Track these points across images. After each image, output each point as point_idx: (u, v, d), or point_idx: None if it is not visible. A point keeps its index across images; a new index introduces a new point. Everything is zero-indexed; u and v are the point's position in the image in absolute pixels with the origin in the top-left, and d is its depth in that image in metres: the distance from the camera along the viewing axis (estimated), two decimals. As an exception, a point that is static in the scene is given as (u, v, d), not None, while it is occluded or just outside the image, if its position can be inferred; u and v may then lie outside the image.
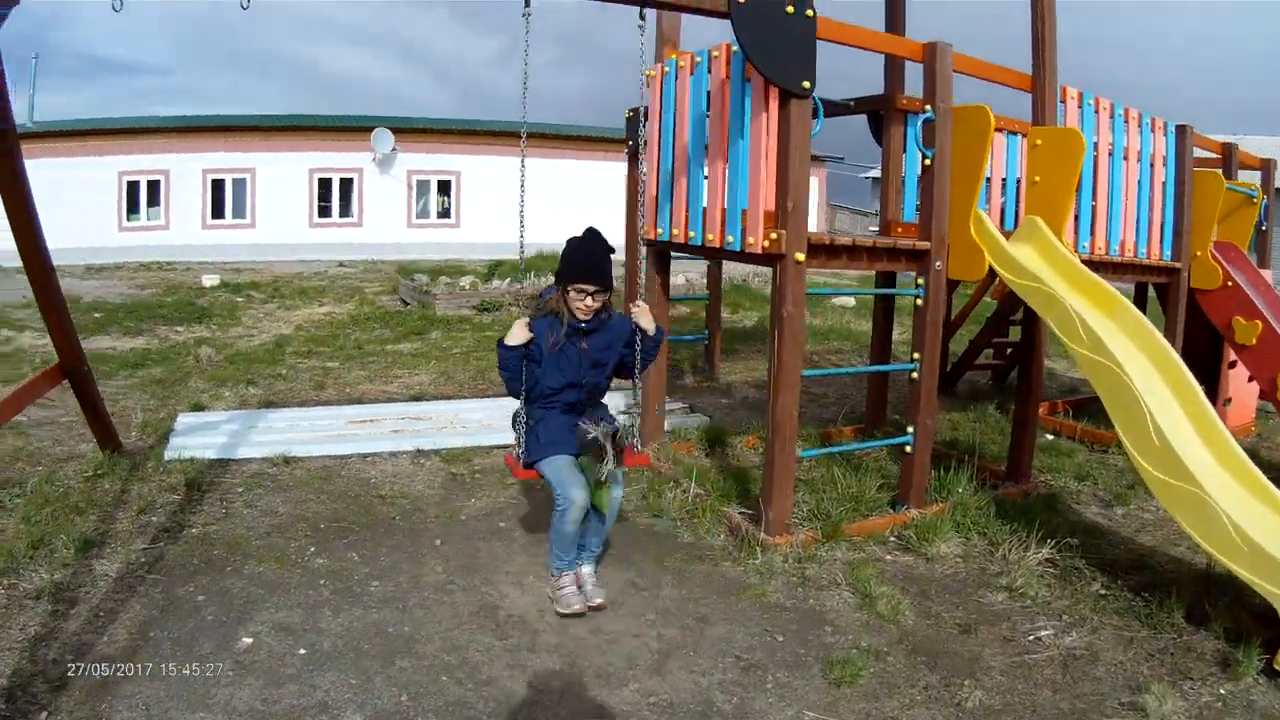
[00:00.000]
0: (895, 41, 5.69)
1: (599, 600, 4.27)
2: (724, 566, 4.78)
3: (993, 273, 5.40)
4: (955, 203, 5.33)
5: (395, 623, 4.05)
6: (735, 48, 5.02)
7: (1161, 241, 7.09)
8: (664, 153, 5.92)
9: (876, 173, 34.12)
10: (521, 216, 4.47)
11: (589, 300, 4.19)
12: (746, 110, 5.02)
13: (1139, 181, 6.77)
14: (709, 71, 5.36)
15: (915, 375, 5.45)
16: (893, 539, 5.19)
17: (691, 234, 5.60)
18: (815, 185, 34.57)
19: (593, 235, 4.27)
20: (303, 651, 3.77)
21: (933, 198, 5.28)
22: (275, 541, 4.92)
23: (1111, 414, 4.53)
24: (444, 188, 29.79)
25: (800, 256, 4.76)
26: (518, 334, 4.13)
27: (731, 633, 4.08)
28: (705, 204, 5.43)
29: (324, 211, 28.61)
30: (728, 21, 4.47)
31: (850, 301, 17.80)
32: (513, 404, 4.43)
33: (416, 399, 8.46)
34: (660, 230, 6.01)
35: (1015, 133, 6.40)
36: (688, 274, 18.14)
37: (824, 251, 5.02)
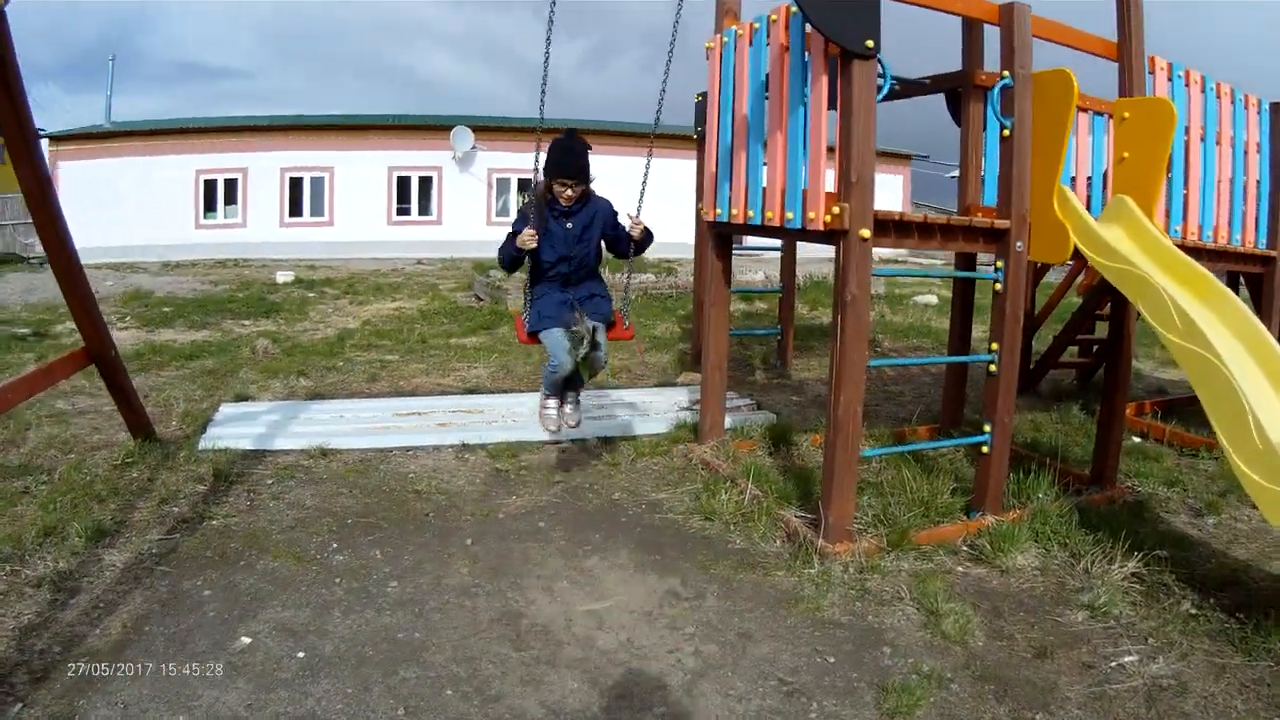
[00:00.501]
0: (968, 2, 5.19)
1: (574, 423, 5.37)
2: (777, 576, 4.36)
3: (1078, 261, 4.89)
4: (1037, 177, 4.83)
5: (407, 628, 3.73)
6: (794, 9, 4.62)
7: (1256, 228, 6.48)
8: (723, 128, 5.52)
9: (961, 171, 33.11)
10: (536, 203, 4.96)
11: (569, 191, 4.98)
12: (808, 76, 4.60)
13: (1233, 163, 6.19)
14: (768, 39, 4.95)
15: (993, 368, 4.94)
16: (965, 548, 4.70)
17: (751, 213, 5.19)
18: (899, 183, 33.64)
19: (570, 137, 4.97)
20: (301, 655, 3.48)
21: (1012, 171, 4.77)
22: (296, 536, 4.65)
23: (1206, 408, 4.02)
24: (525, 186, 29.59)
25: (865, 233, 4.32)
26: (529, 242, 4.85)
27: (777, 652, 3.66)
28: (765, 179, 5.02)
29: (403, 210, 28.67)
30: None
31: (932, 299, 17.18)
32: None
33: (471, 392, 8.16)
34: (719, 210, 5.60)
35: (1101, 113, 5.85)
36: (767, 270, 17.68)
37: (893, 229, 4.56)
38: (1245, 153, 6.29)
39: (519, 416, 7.04)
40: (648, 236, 5.14)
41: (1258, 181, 6.46)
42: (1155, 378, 9.95)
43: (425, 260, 25.44)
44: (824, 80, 4.47)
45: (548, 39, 4.80)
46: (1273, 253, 6.55)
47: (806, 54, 4.61)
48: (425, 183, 28.73)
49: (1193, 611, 4.06)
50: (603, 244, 5.23)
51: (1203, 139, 5.92)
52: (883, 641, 3.75)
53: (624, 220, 5.15)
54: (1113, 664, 3.62)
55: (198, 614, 3.78)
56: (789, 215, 4.74)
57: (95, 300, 5.55)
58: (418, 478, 5.65)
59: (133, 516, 4.82)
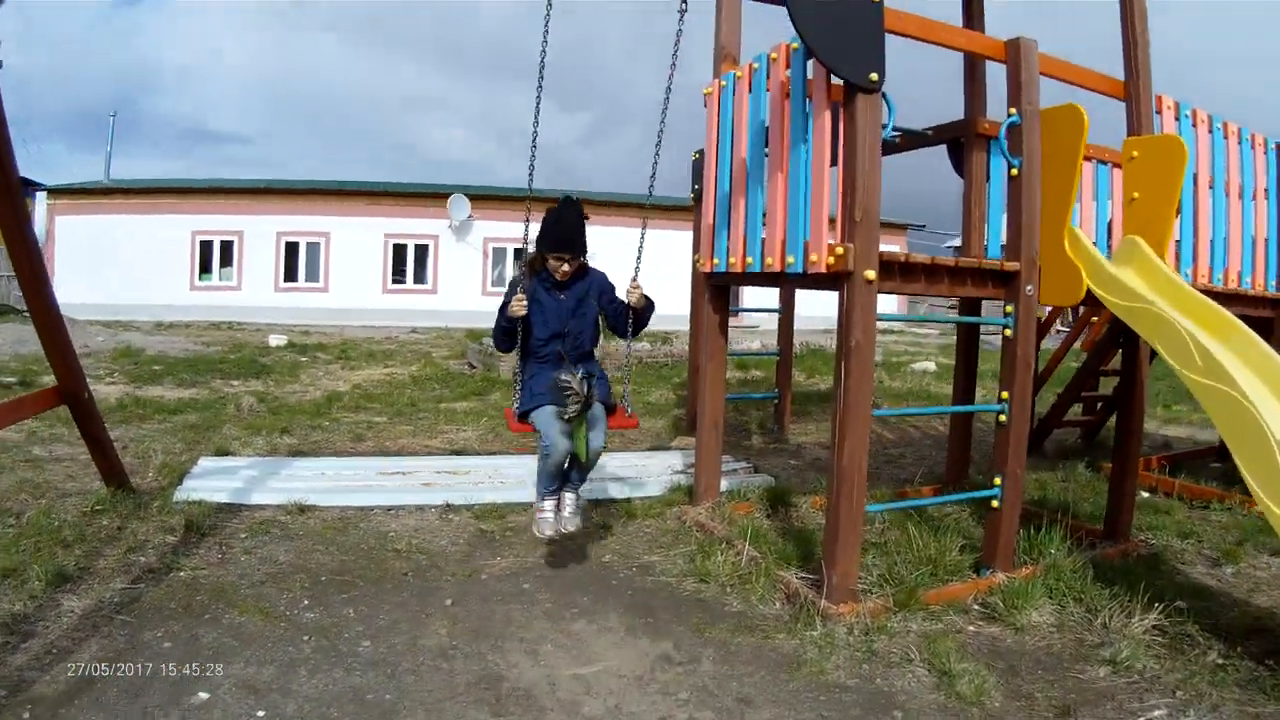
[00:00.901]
0: (973, 38, 5.09)
1: (572, 528, 4.79)
2: (777, 639, 4.08)
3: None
4: (1047, 217, 4.68)
5: (377, 689, 3.45)
6: (796, 44, 4.50)
7: (1265, 271, 6.33)
8: (721, 175, 5.37)
9: (959, 241, 33.23)
10: (526, 272, 4.82)
11: (565, 266, 4.71)
12: (809, 115, 4.46)
13: (1243, 213, 6.07)
14: (768, 79, 4.83)
15: (1004, 417, 4.72)
16: (976, 607, 4.43)
17: (750, 260, 5.00)
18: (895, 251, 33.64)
19: (567, 207, 4.68)
20: (261, 714, 3.22)
21: (1021, 212, 4.61)
22: (266, 591, 4.39)
23: (1231, 447, 3.84)
24: (522, 255, 29.49)
25: (870, 275, 4.13)
26: (518, 309, 4.56)
27: (779, 718, 3.38)
28: (764, 224, 4.85)
29: (398, 277, 28.63)
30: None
31: (930, 366, 17.04)
32: None
33: (458, 453, 7.92)
34: (717, 260, 5.41)
35: (1105, 161, 5.72)
36: (764, 339, 17.56)
37: (898, 271, 4.38)
38: (1254, 198, 6.15)
39: (506, 478, 6.77)
40: (648, 306, 4.82)
41: (1265, 240, 6.31)
42: (1159, 435, 9.78)
43: (420, 329, 25.29)
44: (826, 116, 4.34)
45: (537, 104, 4.71)
46: (1284, 295, 6.36)
47: (808, 96, 4.48)
48: (421, 251, 28.74)
49: (1220, 661, 3.84)
50: (600, 321, 4.95)
51: (1211, 186, 5.79)
52: (893, 705, 3.47)
53: (621, 292, 4.84)
54: (1141, 719, 3.37)
55: (154, 665, 3.53)
56: (789, 260, 4.55)
57: (70, 339, 5.35)
58: (398, 537, 5.37)
59: (97, 564, 4.59)
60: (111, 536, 5.01)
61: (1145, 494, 6.77)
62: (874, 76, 4.06)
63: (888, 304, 29.43)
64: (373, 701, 3.35)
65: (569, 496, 4.82)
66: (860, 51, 4.04)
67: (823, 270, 4.27)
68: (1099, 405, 8.92)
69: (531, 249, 4.81)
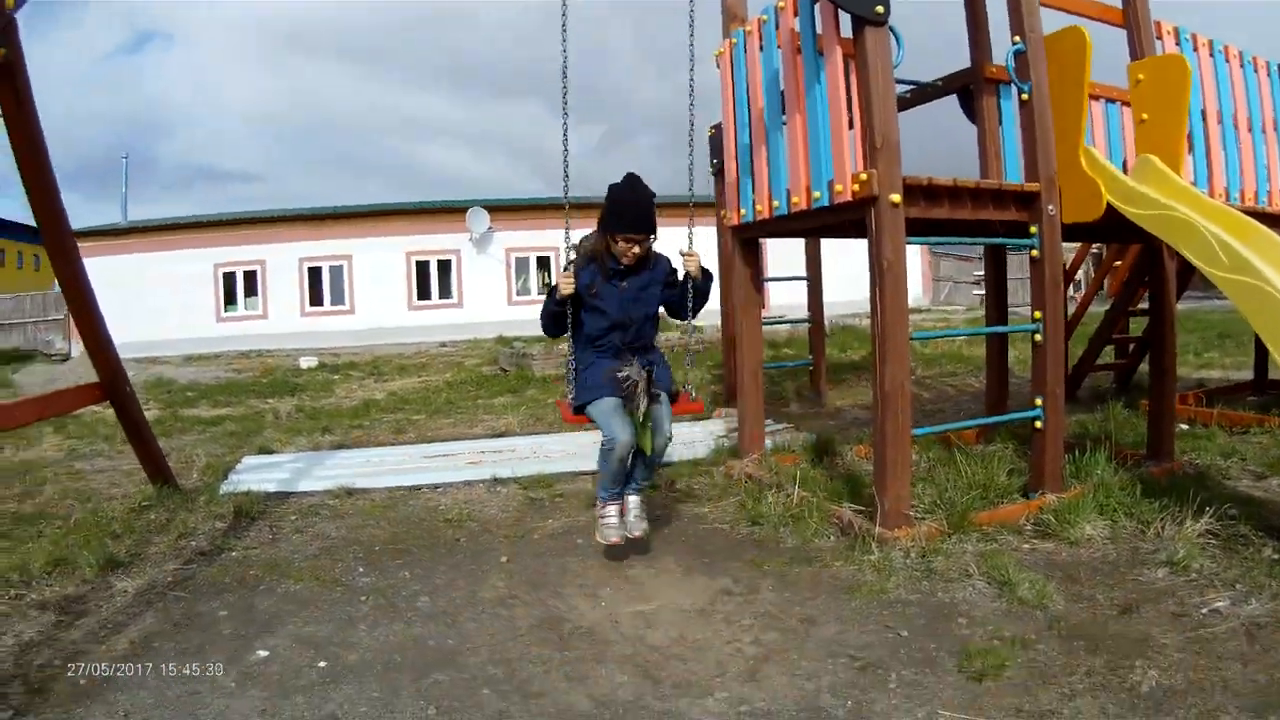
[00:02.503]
0: (971, -33, 5.10)
1: (639, 532, 4.41)
2: (834, 567, 4.10)
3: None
4: (1060, 137, 4.70)
5: (439, 636, 3.50)
6: (801, -14, 4.53)
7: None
8: (740, 128, 5.42)
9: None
10: (585, 256, 4.42)
11: (636, 249, 4.26)
12: (821, 58, 4.49)
13: (1251, 124, 6.03)
14: (777, 27, 4.86)
15: (1039, 337, 4.71)
16: (1029, 526, 4.42)
17: (776, 204, 5.05)
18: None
19: (635, 181, 4.30)
20: (323, 664, 3.26)
21: (1035, 135, 4.62)
22: (321, 563, 4.45)
23: (1263, 334, 3.93)
24: (544, 264, 29.41)
25: (895, 198, 4.14)
26: (565, 287, 4.23)
27: (843, 632, 3.40)
28: (787, 165, 4.87)
29: (423, 294, 28.63)
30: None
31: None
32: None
33: (500, 436, 7.98)
34: (744, 211, 5.45)
35: (1114, 100, 5.69)
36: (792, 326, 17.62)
37: (921, 194, 4.37)
38: (1263, 130, 6.11)
39: (551, 453, 6.84)
40: (707, 277, 4.46)
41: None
42: (1193, 378, 9.76)
43: (449, 343, 25.26)
44: (838, 62, 4.36)
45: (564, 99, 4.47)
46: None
47: (819, 51, 4.52)
48: (444, 266, 28.60)
49: (1276, 557, 3.82)
50: (660, 309, 4.53)
51: (1220, 120, 5.75)
52: (956, 614, 3.48)
53: (676, 262, 4.48)
54: (1204, 611, 3.37)
55: (212, 631, 3.61)
56: (815, 195, 4.59)
57: (108, 333, 5.54)
58: (448, 509, 5.44)
59: (148, 550, 4.69)
60: (160, 527, 5.09)
61: (1184, 426, 6.73)
62: (880, 9, 4.09)
63: (912, 285, 29.14)
64: (435, 647, 3.38)
65: (633, 500, 4.47)
66: (864, -16, 4.07)
67: (849, 198, 4.29)
68: (1130, 348, 8.86)
69: (575, 241, 4.45)
